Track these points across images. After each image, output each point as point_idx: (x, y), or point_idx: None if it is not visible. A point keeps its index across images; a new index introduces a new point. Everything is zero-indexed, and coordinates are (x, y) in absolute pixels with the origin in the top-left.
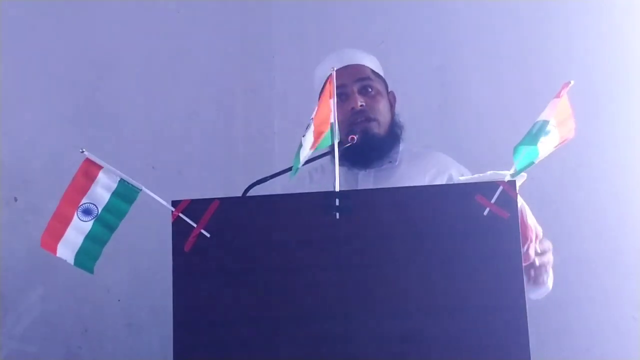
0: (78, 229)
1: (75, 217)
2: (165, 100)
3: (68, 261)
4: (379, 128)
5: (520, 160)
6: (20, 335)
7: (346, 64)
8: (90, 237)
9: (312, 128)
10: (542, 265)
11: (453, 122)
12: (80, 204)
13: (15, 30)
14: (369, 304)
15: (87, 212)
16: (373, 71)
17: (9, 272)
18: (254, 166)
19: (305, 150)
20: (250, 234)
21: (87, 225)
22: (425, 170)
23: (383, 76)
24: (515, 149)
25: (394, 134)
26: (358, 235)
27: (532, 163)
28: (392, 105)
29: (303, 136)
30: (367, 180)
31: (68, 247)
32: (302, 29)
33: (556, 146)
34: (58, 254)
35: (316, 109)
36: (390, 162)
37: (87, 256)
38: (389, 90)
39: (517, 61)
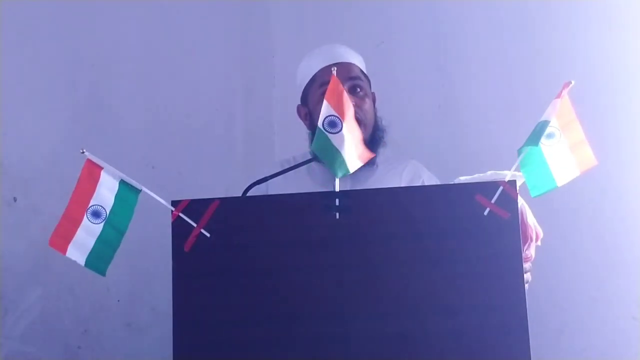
0: (88, 231)
1: (85, 219)
2: (165, 100)
3: (78, 262)
4: (364, 131)
5: (538, 186)
6: (19, 335)
7: (337, 61)
8: (101, 240)
9: (344, 128)
10: None
11: (453, 122)
12: (89, 205)
13: (15, 30)
14: (369, 304)
15: (96, 214)
16: (361, 71)
17: (9, 272)
18: (254, 166)
19: (358, 152)
20: (250, 234)
21: (98, 227)
22: (401, 175)
23: (368, 77)
24: (519, 151)
25: (376, 137)
26: (358, 235)
27: (553, 189)
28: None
29: (333, 133)
30: (344, 179)
31: (79, 248)
32: (302, 29)
33: (579, 173)
34: (68, 254)
35: (333, 109)
36: (369, 164)
37: (99, 259)
38: (372, 91)
39: (517, 61)
